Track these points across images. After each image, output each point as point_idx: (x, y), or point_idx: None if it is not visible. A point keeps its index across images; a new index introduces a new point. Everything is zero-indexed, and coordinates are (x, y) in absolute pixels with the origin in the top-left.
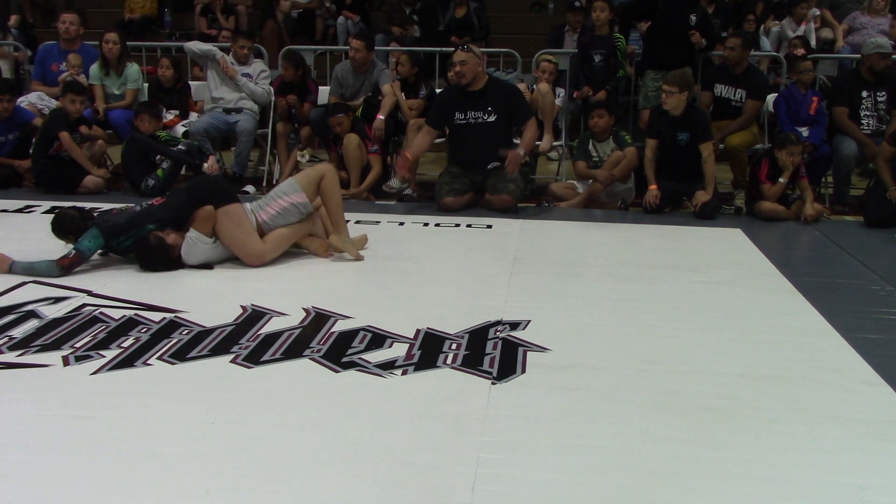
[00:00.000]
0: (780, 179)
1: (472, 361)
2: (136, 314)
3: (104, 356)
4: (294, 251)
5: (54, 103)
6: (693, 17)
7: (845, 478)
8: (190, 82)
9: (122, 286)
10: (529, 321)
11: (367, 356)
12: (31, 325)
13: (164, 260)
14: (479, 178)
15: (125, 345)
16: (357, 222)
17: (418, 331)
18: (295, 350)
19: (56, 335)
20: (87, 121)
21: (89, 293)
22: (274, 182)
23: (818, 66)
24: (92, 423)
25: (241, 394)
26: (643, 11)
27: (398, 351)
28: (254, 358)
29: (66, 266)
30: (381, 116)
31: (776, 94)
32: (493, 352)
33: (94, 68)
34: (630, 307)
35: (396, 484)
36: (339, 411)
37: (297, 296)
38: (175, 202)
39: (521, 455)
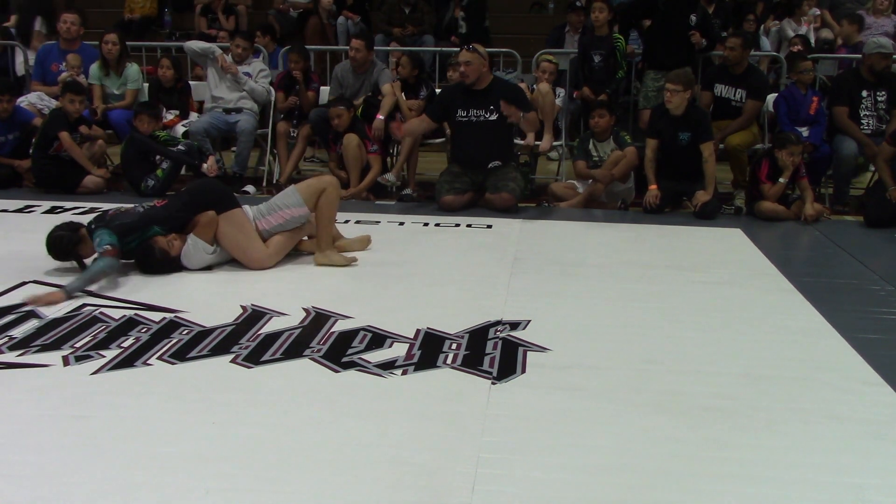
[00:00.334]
0: (781, 179)
1: (472, 361)
2: (136, 314)
3: (104, 356)
4: (294, 251)
5: (54, 103)
6: (693, 17)
7: (845, 478)
8: (190, 82)
9: (122, 286)
10: (529, 321)
11: (367, 356)
12: (31, 325)
13: (165, 267)
14: (479, 177)
15: (125, 345)
16: (357, 222)
17: (418, 331)
18: (295, 350)
19: (56, 335)
20: (86, 121)
21: (89, 293)
22: (274, 182)
23: (818, 66)
24: (92, 423)
25: (241, 394)
26: (643, 11)
27: (398, 351)
28: (254, 358)
29: (115, 255)
30: (380, 116)
31: (776, 94)
32: (493, 352)
33: (94, 68)
34: (630, 307)
35: (396, 484)
36: (339, 411)
37: (297, 296)
38: (176, 205)
39: (521, 455)
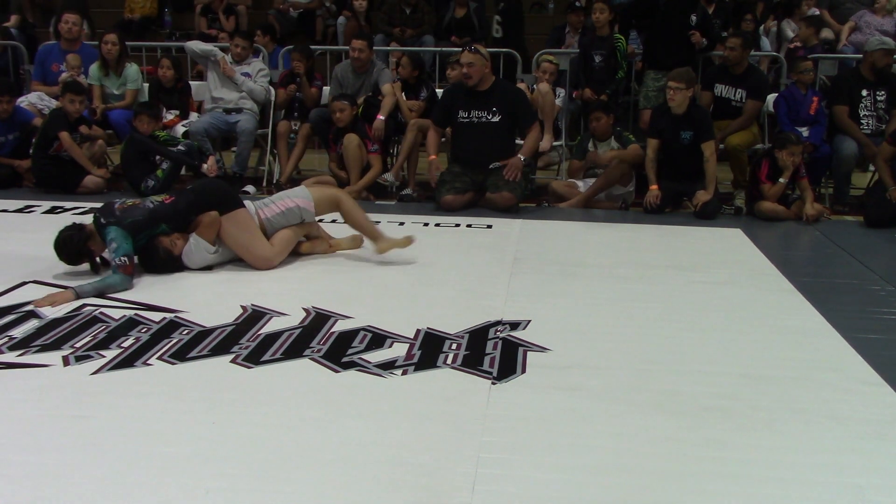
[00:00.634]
0: (781, 180)
1: (472, 361)
2: (136, 314)
3: (104, 356)
4: (294, 251)
5: (54, 103)
6: (693, 17)
7: (845, 478)
8: (190, 82)
9: None
10: (529, 321)
11: (367, 356)
12: (31, 325)
13: (168, 266)
14: (480, 177)
15: (125, 345)
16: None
17: (418, 331)
18: (295, 350)
19: (56, 335)
20: (86, 121)
21: None
22: (274, 182)
23: (818, 66)
24: (92, 423)
25: (241, 394)
26: (643, 11)
27: (398, 351)
28: (254, 358)
29: (131, 273)
30: (381, 117)
31: (776, 94)
32: (493, 352)
33: (94, 68)
34: (630, 307)
35: (396, 484)
36: (339, 411)
37: (297, 296)
38: (182, 203)
39: (521, 455)
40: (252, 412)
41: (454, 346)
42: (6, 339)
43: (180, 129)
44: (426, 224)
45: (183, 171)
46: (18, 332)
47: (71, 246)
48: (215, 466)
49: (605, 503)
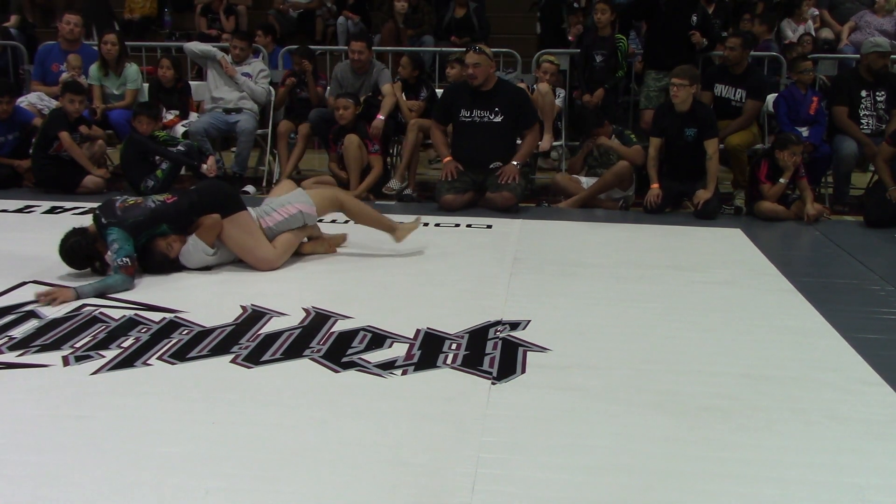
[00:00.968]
0: (781, 180)
1: (472, 361)
2: (136, 314)
3: (104, 356)
4: (295, 251)
5: (54, 103)
6: (694, 17)
7: (845, 478)
8: (190, 82)
9: None
10: (529, 321)
11: (367, 356)
12: (31, 325)
13: (164, 267)
14: (480, 177)
15: (125, 345)
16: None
17: (418, 331)
18: (295, 350)
19: (56, 335)
20: (86, 121)
21: None
22: (273, 182)
23: (818, 66)
24: (92, 423)
25: (241, 394)
26: (644, 11)
27: (398, 351)
28: (254, 358)
29: (132, 274)
30: (381, 116)
31: (776, 94)
32: (493, 352)
33: (94, 69)
34: (630, 307)
35: (396, 484)
36: (339, 411)
37: (297, 296)
38: (184, 204)
39: (521, 455)
40: (252, 412)
41: (454, 346)
42: (6, 339)
43: (180, 129)
44: (426, 224)
45: (183, 172)
46: (18, 332)
47: (80, 252)
48: (215, 466)
49: (605, 503)
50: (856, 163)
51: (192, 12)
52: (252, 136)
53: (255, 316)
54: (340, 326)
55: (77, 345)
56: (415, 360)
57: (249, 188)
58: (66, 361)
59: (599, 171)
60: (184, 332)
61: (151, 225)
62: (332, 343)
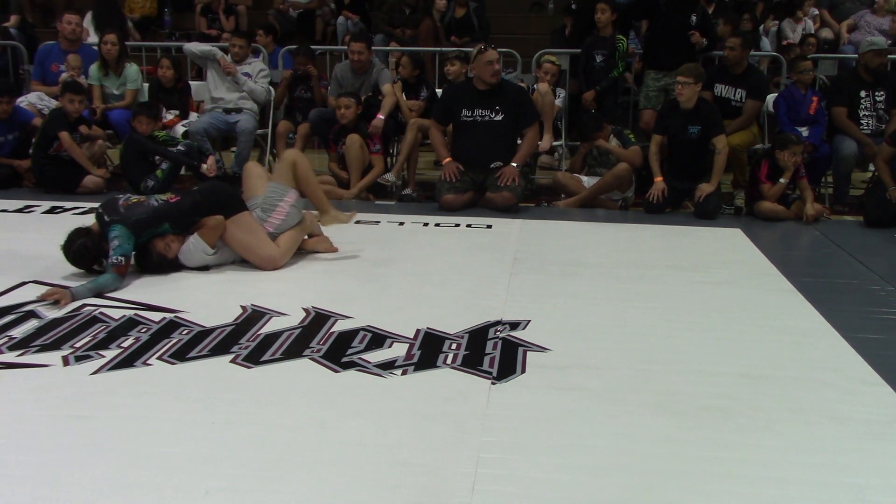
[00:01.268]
0: (781, 180)
1: (472, 361)
2: (136, 314)
3: (104, 356)
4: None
5: (54, 103)
6: (693, 17)
7: (845, 478)
8: (190, 82)
9: (122, 286)
10: (529, 321)
11: (367, 356)
12: (31, 325)
13: (162, 268)
14: (480, 176)
15: (125, 345)
16: (357, 222)
17: (418, 331)
18: (295, 350)
19: (56, 335)
20: (86, 121)
21: None
22: None
23: (818, 66)
24: (92, 423)
25: (241, 394)
26: (643, 11)
27: (398, 351)
28: (254, 358)
29: (124, 274)
30: (381, 116)
31: (776, 94)
32: (493, 352)
33: (94, 69)
34: (630, 307)
35: (396, 484)
36: (339, 411)
37: (297, 296)
38: (187, 204)
39: (521, 455)
40: (252, 412)
41: (454, 346)
42: (6, 339)
43: (180, 129)
44: (426, 224)
45: (183, 172)
46: (18, 332)
47: (88, 253)
48: (215, 466)
49: (605, 503)
50: (856, 163)
51: (192, 12)
52: (252, 136)
53: (255, 316)
54: (340, 326)
55: (77, 345)
56: (415, 360)
57: None
58: (66, 361)
59: (599, 171)
60: (184, 332)
61: (154, 223)
62: (332, 343)
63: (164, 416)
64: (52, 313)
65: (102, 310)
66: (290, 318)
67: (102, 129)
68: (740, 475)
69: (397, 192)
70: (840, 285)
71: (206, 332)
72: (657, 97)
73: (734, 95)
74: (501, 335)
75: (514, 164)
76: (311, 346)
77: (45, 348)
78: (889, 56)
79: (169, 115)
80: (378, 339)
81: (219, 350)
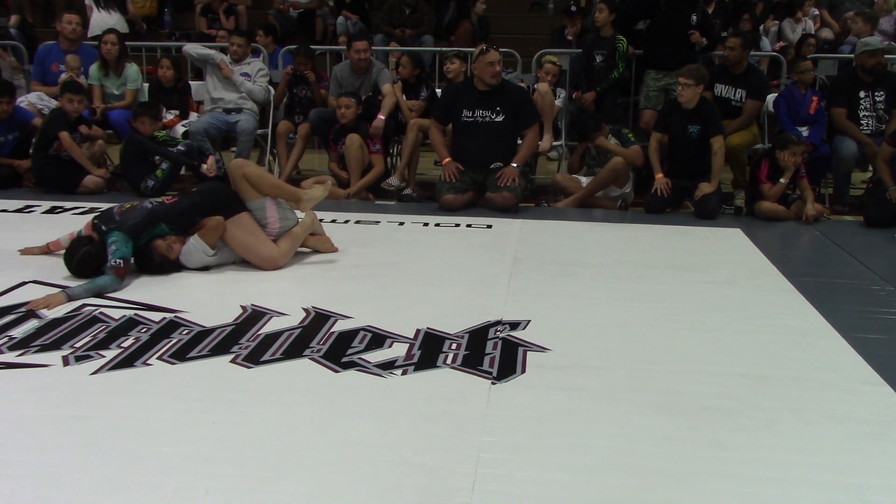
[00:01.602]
0: (781, 180)
1: (472, 361)
2: (136, 314)
3: (104, 356)
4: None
5: (54, 103)
6: (693, 17)
7: (845, 478)
8: (190, 82)
9: (122, 286)
10: (529, 321)
11: (367, 356)
12: (31, 325)
13: (164, 269)
14: (480, 176)
15: (125, 345)
16: (357, 222)
17: (418, 331)
18: (295, 350)
19: (56, 335)
20: (86, 121)
21: None
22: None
23: (818, 66)
24: (92, 423)
25: (241, 394)
26: (644, 11)
27: (398, 351)
28: (254, 358)
29: (123, 275)
30: (381, 116)
31: (776, 94)
32: (493, 352)
33: (94, 69)
34: (630, 307)
35: (396, 484)
36: (339, 411)
37: (297, 296)
38: (186, 205)
39: (521, 455)
40: (252, 412)
41: (454, 346)
42: (6, 339)
43: (180, 129)
44: (426, 224)
45: (183, 172)
46: (18, 332)
47: (91, 262)
48: (215, 466)
49: (605, 503)
50: (856, 163)
51: (192, 12)
52: (252, 136)
53: (255, 316)
54: (340, 326)
55: (77, 345)
56: (415, 360)
57: None
58: (66, 361)
59: (597, 171)
60: (184, 332)
61: (150, 225)
62: (332, 343)
63: (164, 416)
64: (51, 313)
65: (102, 310)
66: (290, 318)
67: (102, 129)
68: (740, 475)
69: (397, 192)
70: (840, 285)
71: (206, 332)
72: (657, 97)
73: (734, 95)
74: (501, 335)
75: (514, 165)
76: (311, 346)
77: (45, 348)
78: (886, 56)
79: (169, 115)
80: (378, 339)
81: (219, 350)
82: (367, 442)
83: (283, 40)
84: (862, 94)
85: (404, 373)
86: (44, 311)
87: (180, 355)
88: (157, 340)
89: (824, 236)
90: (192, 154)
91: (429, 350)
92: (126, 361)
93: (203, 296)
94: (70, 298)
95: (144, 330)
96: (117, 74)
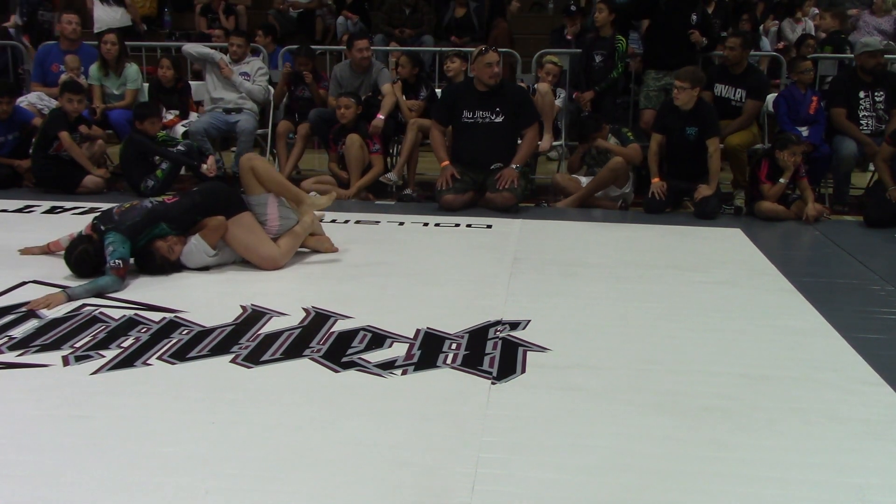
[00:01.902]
0: (781, 180)
1: (472, 361)
2: (136, 314)
3: (104, 356)
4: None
5: (54, 103)
6: (693, 17)
7: (845, 478)
8: (190, 82)
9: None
10: (529, 321)
11: (367, 356)
12: (31, 325)
13: (165, 269)
14: (480, 177)
15: (125, 345)
16: (357, 222)
17: (418, 331)
18: (295, 350)
19: (56, 335)
20: (86, 120)
21: None
22: None
23: (818, 66)
24: (92, 423)
25: (241, 394)
26: (644, 11)
27: (398, 351)
28: (254, 358)
29: (123, 276)
30: (381, 116)
31: (776, 94)
32: (493, 352)
33: (94, 69)
34: (630, 307)
35: (396, 484)
36: (339, 411)
37: (297, 296)
38: (186, 205)
39: (521, 455)
40: (252, 412)
41: (454, 346)
42: (6, 339)
43: (180, 129)
44: (426, 224)
45: (183, 172)
46: (18, 332)
47: (89, 260)
48: (215, 466)
49: (605, 503)
50: (856, 163)
51: (192, 12)
52: (252, 136)
53: (255, 316)
54: (340, 326)
55: (77, 345)
56: (415, 359)
57: None
58: (66, 361)
59: (597, 171)
60: (184, 332)
61: (149, 225)
62: (332, 343)
63: (164, 416)
64: (51, 313)
65: (102, 310)
66: (290, 318)
67: (102, 129)
68: (740, 475)
69: (397, 192)
70: (840, 285)
71: (206, 332)
72: (657, 97)
73: (734, 95)
74: (501, 335)
75: (514, 167)
76: (311, 346)
77: (45, 348)
78: (886, 56)
79: (169, 115)
80: (378, 338)
81: (219, 350)
82: (367, 442)
83: (283, 40)
84: (862, 94)
85: (404, 373)
86: (44, 311)
87: (180, 355)
88: (157, 340)
89: (824, 236)
90: (192, 154)
91: (429, 350)
92: (126, 361)
93: (203, 296)
94: (70, 298)
95: (144, 330)
96: (117, 74)
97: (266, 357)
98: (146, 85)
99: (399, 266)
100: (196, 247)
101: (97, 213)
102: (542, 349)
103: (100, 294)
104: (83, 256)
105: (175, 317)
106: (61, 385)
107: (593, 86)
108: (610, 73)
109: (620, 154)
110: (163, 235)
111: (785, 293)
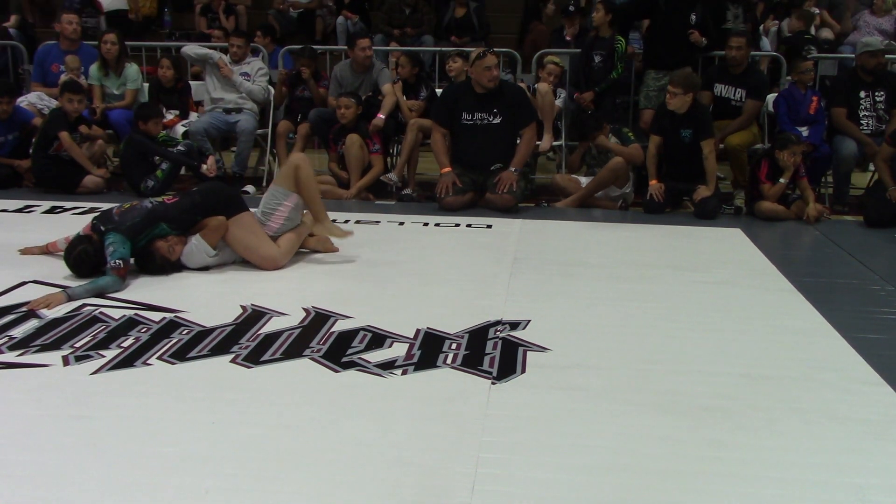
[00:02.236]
0: (781, 180)
1: (472, 361)
2: (136, 314)
3: (104, 356)
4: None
5: (54, 103)
6: (693, 17)
7: (845, 478)
8: (190, 82)
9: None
10: (529, 321)
11: (367, 356)
12: (31, 325)
13: (165, 269)
14: (480, 178)
15: (125, 345)
16: (357, 222)
17: (418, 331)
18: (295, 350)
19: (56, 335)
20: (86, 120)
21: None
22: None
23: (818, 66)
24: (92, 423)
25: (241, 394)
26: (643, 11)
27: (398, 351)
28: (254, 358)
29: (123, 276)
30: (381, 115)
31: (776, 94)
32: (493, 352)
33: (94, 69)
34: (630, 307)
35: (396, 484)
36: (339, 411)
37: (297, 296)
38: (186, 205)
39: (521, 455)
40: (252, 412)
41: (454, 346)
42: (6, 339)
43: (180, 129)
44: (426, 224)
45: (183, 172)
46: (18, 332)
47: (88, 260)
48: (215, 466)
49: (605, 503)
50: (856, 163)
51: (192, 12)
52: (252, 136)
53: (255, 316)
54: (340, 326)
55: (77, 345)
56: (415, 359)
57: (249, 188)
58: (66, 361)
59: (598, 170)
60: (184, 332)
61: (149, 225)
62: (332, 343)
63: (164, 416)
64: (51, 313)
65: (102, 310)
66: (290, 318)
67: (102, 129)
68: (740, 475)
69: (397, 192)
70: (840, 285)
71: (206, 332)
72: (657, 97)
73: (734, 95)
74: (501, 335)
75: (513, 170)
76: (311, 345)
77: (45, 348)
78: (887, 56)
79: (169, 115)
80: (378, 338)
81: (219, 350)
82: (367, 442)
83: (283, 40)
84: (862, 94)
85: (404, 373)
86: (44, 311)
87: (180, 355)
88: (157, 340)
89: (824, 236)
90: (192, 154)
91: (429, 350)
92: (126, 361)
93: (203, 296)
94: (70, 298)
95: (144, 330)
96: (117, 74)
97: (266, 357)
98: (146, 85)
99: (399, 266)
100: (196, 247)
101: (96, 214)
102: (542, 349)
103: (100, 294)
104: (82, 256)
105: (175, 317)
106: (61, 385)
107: (593, 86)
108: (609, 73)
109: (622, 154)
110: (163, 235)
111: (785, 293)
